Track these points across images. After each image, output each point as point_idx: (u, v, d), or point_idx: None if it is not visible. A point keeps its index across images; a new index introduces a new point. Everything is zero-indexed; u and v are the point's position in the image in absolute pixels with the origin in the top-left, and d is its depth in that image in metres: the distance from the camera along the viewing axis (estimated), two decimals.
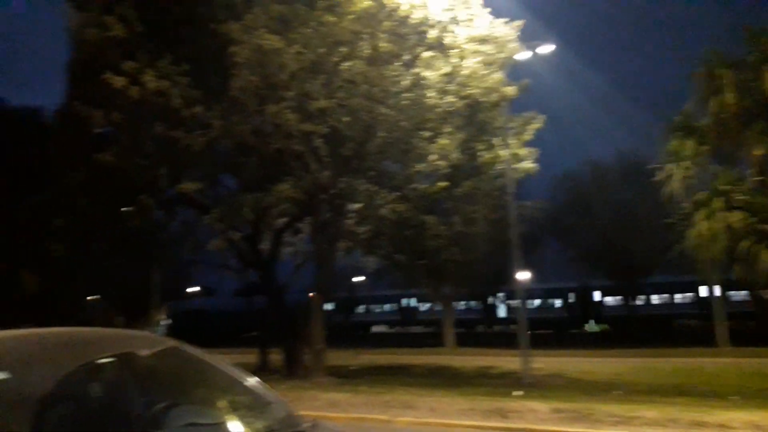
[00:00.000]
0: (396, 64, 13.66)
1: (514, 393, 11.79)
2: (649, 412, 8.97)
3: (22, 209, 26.59)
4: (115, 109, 14.29)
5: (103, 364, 2.71)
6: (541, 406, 9.70)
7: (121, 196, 15.94)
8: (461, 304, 43.35)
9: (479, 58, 14.11)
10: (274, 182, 14.45)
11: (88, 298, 43.88)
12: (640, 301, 39.47)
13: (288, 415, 2.86)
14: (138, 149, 15.40)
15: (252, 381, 2.98)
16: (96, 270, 28.33)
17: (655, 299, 39.85)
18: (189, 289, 56.60)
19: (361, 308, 51.05)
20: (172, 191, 17.05)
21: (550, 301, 42.46)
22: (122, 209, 15.90)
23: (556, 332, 38.64)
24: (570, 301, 42.41)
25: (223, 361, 3.11)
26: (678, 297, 39.62)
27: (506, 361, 19.51)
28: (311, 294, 16.17)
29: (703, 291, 37.97)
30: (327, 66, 13.62)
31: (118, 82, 13.25)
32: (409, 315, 48.51)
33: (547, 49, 15.79)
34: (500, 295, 42.92)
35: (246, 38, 12.89)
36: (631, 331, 34.14)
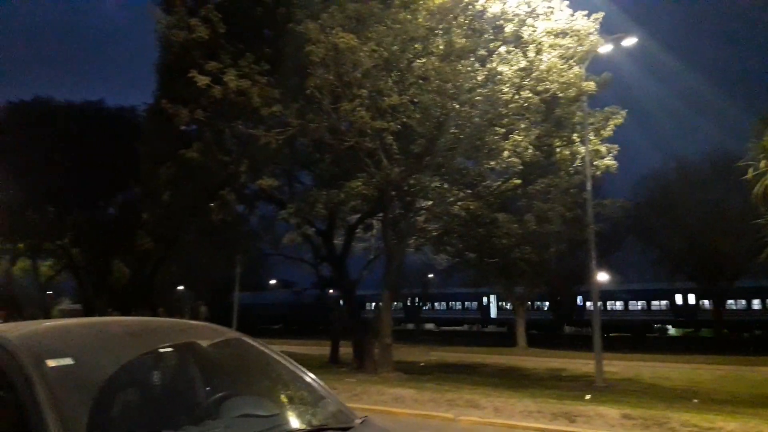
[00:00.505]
0: (470, 59, 13.47)
1: (587, 397, 11.41)
2: (730, 423, 8.41)
3: (114, 204, 28.54)
4: (199, 108, 14.97)
5: (166, 353, 2.85)
6: (610, 411, 9.32)
7: (204, 191, 16.72)
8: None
9: (558, 52, 13.68)
10: (347, 179, 14.66)
11: (177, 288, 46.44)
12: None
13: (339, 411, 2.87)
14: (220, 146, 16.08)
15: (307, 375, 3.02)
16: (182, 261, 29.89)
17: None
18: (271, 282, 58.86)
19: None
20: (252, 186, 17.72)
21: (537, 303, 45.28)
22: (207, 204, 16.64)
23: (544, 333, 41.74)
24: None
25: (281, 354, 3.18)
26: (655, 304, 40.77)
27: (581, 364, 18.93)
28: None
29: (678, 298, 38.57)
30: (400, 63, 13.65)
31: (202, 81, 13.85)
32: (413, 313, 50.98)
33: (629, 41, 15.08)
34: (492, 295, 45.68)
35: (322, 37, 13.11)
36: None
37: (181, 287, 47.10)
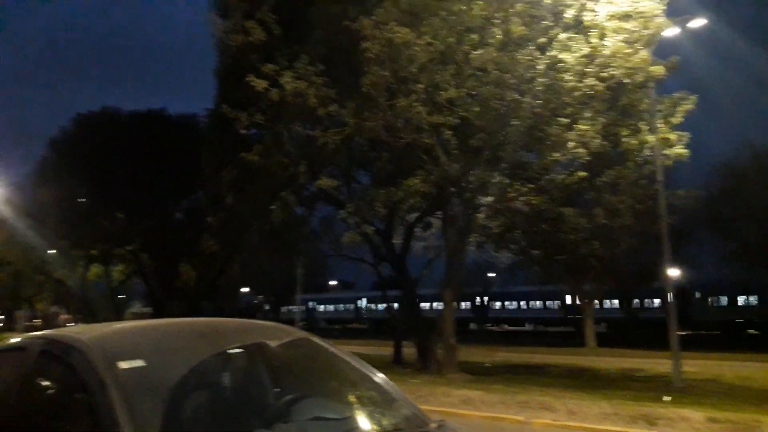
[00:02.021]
0: (529, 47, 13.03)
1: (665, 398, 10.80)
2: None
3: (180, 209, 29.45)
4: (257, 111, 15.16)
5: (235, 354, 2.77)
6: (694, 414, 8.72)
7: (265, 193, 16.97)
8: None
9: (622, 36, 13.03)
10: (405, 177, 14.49)
11: (242, 289, 47.62)
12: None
13: (414, 414, 2.73)
14: (279, 148, 16.24)
15: (379, 376, 2.91)
16: (246, 263, 30.54)
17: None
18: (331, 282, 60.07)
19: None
20: (311, 187, 17.84)
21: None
22: (268, 206, 16.88)
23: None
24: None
25: (350, 354, 3.06)
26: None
27: (654, 364, 18.06)
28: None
29: None
30: (456, 55, 13.36)
31: (260, 84, 14.00)
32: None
33: (698, 23, 14.21)
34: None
35: (377, 33, 13.00)
36: None
37: (245, 289, 48.25)
